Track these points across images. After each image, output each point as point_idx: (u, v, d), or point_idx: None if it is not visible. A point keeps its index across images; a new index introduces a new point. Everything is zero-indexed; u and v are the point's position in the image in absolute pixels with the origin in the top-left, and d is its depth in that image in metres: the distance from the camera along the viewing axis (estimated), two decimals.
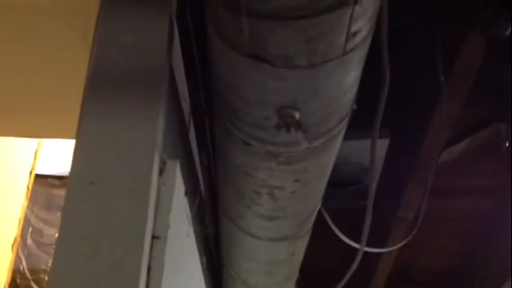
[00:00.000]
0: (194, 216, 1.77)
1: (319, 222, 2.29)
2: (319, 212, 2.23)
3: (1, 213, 3.41)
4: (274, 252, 2.33)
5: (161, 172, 1.26)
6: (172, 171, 1.29)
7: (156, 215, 1.21)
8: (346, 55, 1.26)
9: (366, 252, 2.10)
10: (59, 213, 4.77)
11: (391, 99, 1.52)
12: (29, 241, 4.93)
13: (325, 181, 1.96)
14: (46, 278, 4.71)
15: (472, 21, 2.03)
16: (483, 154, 2.85)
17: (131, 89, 1.29)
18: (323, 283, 2.76)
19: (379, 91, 1.47)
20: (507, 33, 1.90)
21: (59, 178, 5.03)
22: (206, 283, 2.30)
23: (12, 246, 3.54)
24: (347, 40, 1.22)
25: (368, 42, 1.32)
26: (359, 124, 1.62)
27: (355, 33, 1.22)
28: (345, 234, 2.34)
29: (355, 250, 2.07)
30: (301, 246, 2.39)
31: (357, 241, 2.04)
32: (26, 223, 4.33)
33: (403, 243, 2.71)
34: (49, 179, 5.07)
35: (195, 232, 1.78)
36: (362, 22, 1.21)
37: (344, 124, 1.62)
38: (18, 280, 4.80)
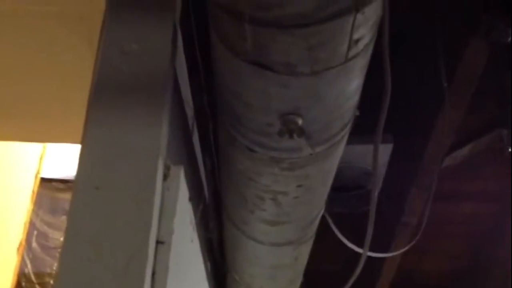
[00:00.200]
0: (198, 221, 1.77)
1: (323, 227, 2.30)
2: (323, 217, 2.23)
3: (7, 216, 3.42)
4: (278, 256, 2.33)
5: (165, 177, 1.27)
6: (176, 177, 1.30)
7: (161, 220, 1.22)
8: (348, 62, 1.27)
9: (369, 257, 2.10)
10: (64, 217, 4.78)
11: (394, 105, 1.52)
12: (34, 244, 4.92)
13: (328, 186, 1.97)
14: (51, 281, 4.72)
15: (475, 26, 2.04)
16: (486, 159, 2.86)
17: (135, 95, 1.30)
18: (327, 287, 2.76)
19: (381, 97, 1.47)
20: (508, 40, 1.91)
21: (64, 181, 5.03)
22: None
23: (17, 249, 3.54)
24: (349, 48, 1.23)
25: (370, 49, 1.33)
26: (362, 129, 1.63)
27: (357, 41, 1.23)
28: (348, 239, 2.34)
29: (359, 255, 2.07)
30: (305, 250, 2.39)
31: (361, 246, 2.04)
32: (31, 226, 4.32)
33: (406, 248, 2.71)
34: (54, 183, 5.06)
35: (199, 237, 1.78)
36: (364, 30, 1.22)
37: (346, 131, 1.63)
38: (23, 284, 4.80)
